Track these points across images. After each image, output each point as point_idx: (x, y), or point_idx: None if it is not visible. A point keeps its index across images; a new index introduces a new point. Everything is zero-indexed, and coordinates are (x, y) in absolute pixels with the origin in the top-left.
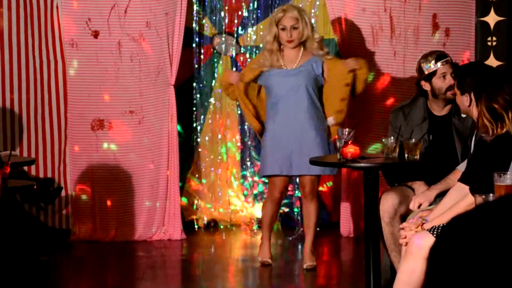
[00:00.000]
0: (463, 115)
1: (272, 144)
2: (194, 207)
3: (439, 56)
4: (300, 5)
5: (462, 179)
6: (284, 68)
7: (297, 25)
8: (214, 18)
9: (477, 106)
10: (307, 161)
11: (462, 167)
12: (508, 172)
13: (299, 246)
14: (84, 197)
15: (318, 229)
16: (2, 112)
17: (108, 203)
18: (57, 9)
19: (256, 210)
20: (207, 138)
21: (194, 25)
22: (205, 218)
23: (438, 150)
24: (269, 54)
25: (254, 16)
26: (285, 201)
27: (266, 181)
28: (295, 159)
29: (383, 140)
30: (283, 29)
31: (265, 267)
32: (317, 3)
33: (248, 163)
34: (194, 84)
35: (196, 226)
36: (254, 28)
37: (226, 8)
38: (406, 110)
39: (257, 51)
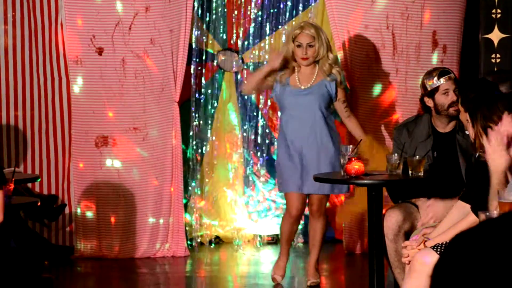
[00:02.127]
0: (467, 132)
1: (285, 162)
2: (198, 224)
3: (442, 72)
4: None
5: (462, 198)
6: (299, 86)
7: (313, 43)
8: (218, 34)
9: (473, 127)
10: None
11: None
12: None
13: (299, 262)
14: (88, 214)
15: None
16: (6, 129)
17: (112, 219)
18: (61, 26)
19: (260, 227)
20: (211, 154)
21: (195, 40)
22: (209, 235)
23: (442, 167)
24: (286, 71)
25: (258, 32)
26: None
27: (268, 198)
28: (305, 178)
29: (387, 156)
30: (299, 46)
31: (274, 283)
32: (312, 17)
33: (252, 180)
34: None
35: (200, 243)
36: (258, 44)
37: (230, 24)
38: (411, 127)
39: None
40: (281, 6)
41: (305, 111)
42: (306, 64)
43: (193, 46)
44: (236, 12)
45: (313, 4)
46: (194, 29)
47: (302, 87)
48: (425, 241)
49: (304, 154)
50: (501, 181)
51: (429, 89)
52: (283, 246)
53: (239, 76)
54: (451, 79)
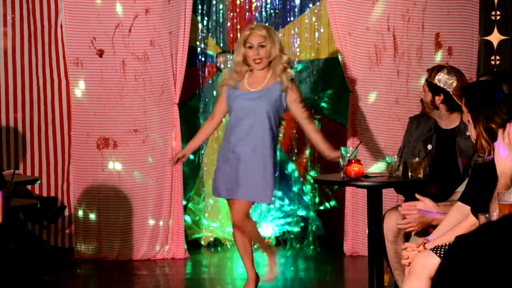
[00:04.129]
0: (468, 133)
1: (221, 165)
2: (199, 225)
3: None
4: (306, 24)
5: (462, 199)
6: (248, 90)
7: (264, 43)
8: (217, 36)
9: (475, 128)
10: (244, 186)
11: (461, 188)
12: None
13: (300, 263)
14: (88, 215)
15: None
16: (5, 131)
17: (112, 221)
18: (61, 28)
19: (260, 229)
20: (211, 156)
21: (197, 43)
22: (209, 237)
23: (441, 164)
24: (238, 76)
25: None
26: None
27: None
28: (239, 184)
29: (387, 158)
30: (250, 47)
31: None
32: (309, 20)
33: None
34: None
35: (201, 245)
36: None
37: (229, 25)
38: (421, 120)
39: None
40: (281, 7)
41: (252, 116)
42: (260, 67)
43: (198, 48)
44: (236, 12)
45: (311, 6)
46: (198, 31)
47: (252, 90)
48: (425, 243)
49: (240, 158)
50: (507, 184)
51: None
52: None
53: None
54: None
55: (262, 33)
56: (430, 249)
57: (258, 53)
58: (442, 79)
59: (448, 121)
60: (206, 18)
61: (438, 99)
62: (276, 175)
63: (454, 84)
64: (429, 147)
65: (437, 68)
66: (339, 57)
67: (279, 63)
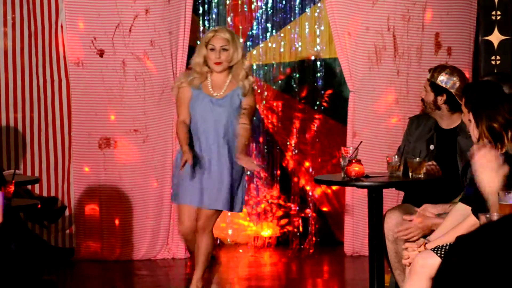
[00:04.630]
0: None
1: (188, 171)
2: None
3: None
4: (307, 23)
5: (463, 200)
6: (212, 94)
7: (227, 46)
8: None
9: (477, 127)
10: (215, 195)
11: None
12: None
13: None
14: (88, 215)
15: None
16: (6, 131)
17: (113, 221)
18: (62, 28)
19: (260, 229)
20: None
21: (197, 43)
22: None
23: (441, 164)
24: (199, 76)
25: (262, 33)
26: None
27: (270, 201)
28: (205, 192)
29: (387, 158)
30: (212, 49)
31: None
32: (309, 20)
33: (252, 182)
34: None
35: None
36: (262, 45)
37: (232, 25)
38: (421, 120)
39: (265, 68)
40: (282, 7)
41: (217, 122)
42: (219, 69)
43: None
44: (237, 12)
45: (317, 4)
46: (199, 31)
47: (215, 95)
48: (426, 243)
49: (208, 166)
50: (495, 202)
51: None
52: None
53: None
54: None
55: (225, 36)
56: (431, 249)
57: (219, 56)
58: (444, 79)
59: (450, 121)
60: (206, 18)
61: (441, 99)
62: (243, 183)
63: (457, 85)
64: (431, 147)
65: (440, 68)
66: (339, 57)
67: (241, 68)
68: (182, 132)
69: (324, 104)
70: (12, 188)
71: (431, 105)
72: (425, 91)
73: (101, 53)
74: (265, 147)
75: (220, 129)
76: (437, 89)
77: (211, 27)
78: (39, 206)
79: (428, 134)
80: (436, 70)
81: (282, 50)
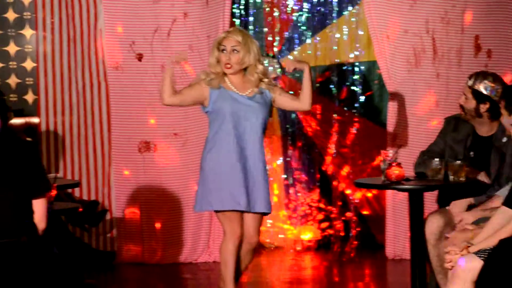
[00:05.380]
0: (504, 139)
1: (226, 176)
2: None
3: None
4: (345, 27)
5: (506, 203)
6: (237, 92)
7: (238, 47)
8: (256, 39)
9: None
10: (259, 197)
11: (503, 192)
12: None
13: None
14: (129, 219)
15: None
16: (46, 135)
17: (155, 225)
18: (100, 32)
19: (301, 232)
20: None
21: None
22: None
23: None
24: (216, 77)
25: (299, 36)
26: None
27: (311, 204)
28: (250, 195)
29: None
30: (223, 50)
31: None
32: (347, 23)
33: (292, 185)
34: None
35: None
36: (299, 48)
37: (267, 29)
38: (459, 122)
39: (300, 73)
40: (320, 10)
41: (251, 120)
42: (230, 72)
43: None
44: (275, 14)
45: (355, 7)
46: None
47: (243, 94)
48: (468, 246)
49: (248, 167)
50: None
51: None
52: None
53: (278, 82)
54: (467, 84)
55: (237, 38)
56: (473, 253)
57: (229, 58)
58: (488, 87)
59: (488, 128)
60: (244, 21)
61: (483, 107)
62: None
63: (499, 92)
64: (471, 154)
65: (482, 75)
66: (378, 60)
67: (254, 72)
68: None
69: (363, 107)
70: (53, 192)
71: (471, 112)
72: (465, 98)
73: (139, 57)
74: (304, 150)
75: (255, 127)
76: (480, 97)
77: (248, 30)
78: (80, 209)
79: (466, 139)
80: (478, 77)
81: (319, 53)
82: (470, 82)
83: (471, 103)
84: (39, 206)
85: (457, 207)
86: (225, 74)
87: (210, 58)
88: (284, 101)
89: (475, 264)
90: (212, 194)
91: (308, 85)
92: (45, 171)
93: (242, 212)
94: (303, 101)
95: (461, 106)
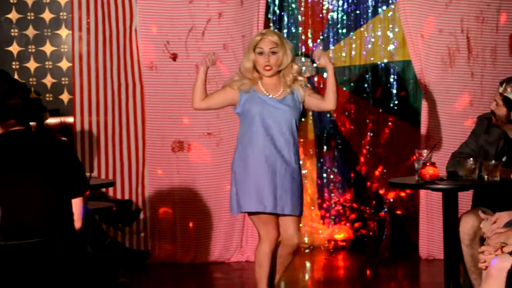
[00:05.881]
0: None
1: (259, 178)
2: None
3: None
4: (379, 26)
5: None
6: (268, 95)
7: (276, 49)
8: (290, 39)
9: None
10: (288, 199)
11: None
12: None
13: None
14: (162, 218)
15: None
16: (81, 135)
17: (188, 224)
18: (136, 32)
19: (334, 232)
20: None
21: None
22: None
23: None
24: (249, 82)
25: (334, 36)
26: None
27: (344, 204)
28: (281, 197)
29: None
30: (260, 53)
31: None
32: (381, 22)
33: (326, 185)
34: None
35: None
36: (334, 48)
37: (302, 29)
38: (490, 124)
39: (337, 70)
40: (354, 10)
41: (281, 123)
42: (269, 74)
43: None
44: (310, 13)
45: (390, 7)
46: None
47: (273, 96)
48: (503, 246)
49: (280, 169)
50: None
51: None
52: None
53: (312, 81)
54: (497, 90)
55: (274, 39)
56: (508, 252)
57: (268, 60)
58: None
59: None
60: (278, 21)
61: None
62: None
63: None
64: (504, 158)
65: None
66: (412, 59)
67: (289, 73)
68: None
69: (398, 107)
70: (87, 191)
71: (502, 118)
72: (496, 104)
73: (174, 57)
74: (338, 150)
75: (284, 129)
76: (510, 104)
77: (282, 31)
78: (114, 208)
79: (497, 141)
80: (509, 83)
81: (354, 53)
82: (501, 89)
83: (502, 110)
84: (76, 205)
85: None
86: (258, 78)
87: (245, 63)
88: (312, 102)
89: (510, 264)
90: (241, 196)
91: (332, 84)
92: (84, 170)
93: (277, 215)
94: (328, 101)
95: (492, 112)
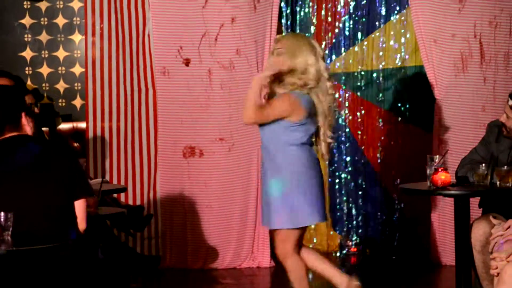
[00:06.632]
0: None
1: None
2: None
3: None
4: (392, 31)
5: None
6: None
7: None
8: None
9: None
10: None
11: None
12: None
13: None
14: (174, 224)
15: None
16: (93, 140)
17: (198, 230)
18: (149, 37)
19: (344, 237)
20: None
21: None
22: None
23: None
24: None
25: (346, 41)
26: None
27: (356, 208)
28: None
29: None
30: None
31: None
32: (394, 27)
33: (337, 190)
34: None
35: None
36: (346, 53)
37: (313, 32)
38: (500, 132)
39: (349, 75)
40: (366, 15)
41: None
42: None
43: None
44: (323, 18)
45: (402, 12)
46: None
47: None
48: None
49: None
50: None
51: None
52: None
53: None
54: (507, 103)
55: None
56: None
57: None
58: None
59: None
60: (290, 26)
61: None
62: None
63: None
64: None
65: None
66: (425, 64)
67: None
68: None
69: (409, 112)
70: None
71: None
72: (506, 116)
73: (187, 62)
74: (350, 155)
75: (263, 138)
76: None
77: None
78: (126, 214)
79: (509, 150)
80: None
81: (366, 58)
82: (511, 102)
83: None
84: (79, 208)
85: None
86: None
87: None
88: None
89: None
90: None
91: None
92: (84, 173)
93: None
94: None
95: (503, 124)
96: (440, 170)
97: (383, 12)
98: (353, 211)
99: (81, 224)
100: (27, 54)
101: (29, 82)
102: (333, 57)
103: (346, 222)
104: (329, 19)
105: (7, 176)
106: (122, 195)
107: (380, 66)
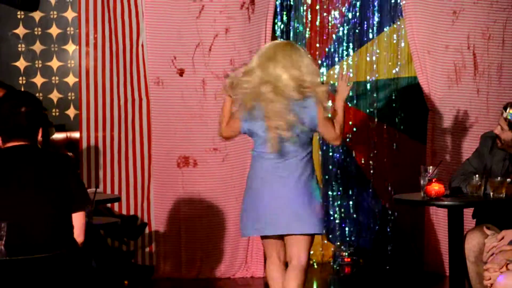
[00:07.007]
0: None
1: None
2: None
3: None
4: (385, 42)
5: None
6: None
7: None
8: None
9: None
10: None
11: None
12: None
13: None
14: (168, 233)
15: None
16: (87, 150)
17: (192, 240)
18: (142, 47)
19: (338, 247)
20: None
21: None
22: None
23: None
24: None
25: (340, 52)
26: None
27: (348, 218)
28: None
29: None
30: None
31: None
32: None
33: (330, 200)
34: None
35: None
36: (339, 64)
37: (310, 44)
38: (494, 144)
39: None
40: (364, 23)
41: None
42: None
43: None
44: (317, 29)
45: (396, 23)
46: None
47: None
48: (508, 263)
49: None
50: None
51: None
52: None
53: None
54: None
55: None
56: None
57: None
58: None
59: None
60: (285, 37)
61: None
62: None
63: None
64: (509, 180)
65: None
66: (418, 75)
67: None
68: None
69: (403, 123)
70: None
71: (508, 143)
72: (501, 128)
73: (181, 72)
74: (343, 166)
75: None
76: None
77: None
78: (120, 224)
79: (503, 161)
80: None
81: (360, 69)
82: (505, 114)
83: (507, 134)
84: (77, 220)
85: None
86: None
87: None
88: None
89: None
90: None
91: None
92: (84, 185)
93: None
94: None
95: (497, 136)
96: (433, 181)
97: (376, 23)
98: (347, 221)
99: (79, 237)
100: (21, 64)
101: None
102: (326, 68)
103: (340, 232)
104: (323, 29)
105: (7, 185)
106: (116, 204)
107: (374, 77)
